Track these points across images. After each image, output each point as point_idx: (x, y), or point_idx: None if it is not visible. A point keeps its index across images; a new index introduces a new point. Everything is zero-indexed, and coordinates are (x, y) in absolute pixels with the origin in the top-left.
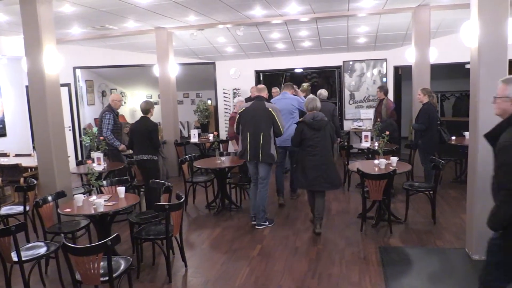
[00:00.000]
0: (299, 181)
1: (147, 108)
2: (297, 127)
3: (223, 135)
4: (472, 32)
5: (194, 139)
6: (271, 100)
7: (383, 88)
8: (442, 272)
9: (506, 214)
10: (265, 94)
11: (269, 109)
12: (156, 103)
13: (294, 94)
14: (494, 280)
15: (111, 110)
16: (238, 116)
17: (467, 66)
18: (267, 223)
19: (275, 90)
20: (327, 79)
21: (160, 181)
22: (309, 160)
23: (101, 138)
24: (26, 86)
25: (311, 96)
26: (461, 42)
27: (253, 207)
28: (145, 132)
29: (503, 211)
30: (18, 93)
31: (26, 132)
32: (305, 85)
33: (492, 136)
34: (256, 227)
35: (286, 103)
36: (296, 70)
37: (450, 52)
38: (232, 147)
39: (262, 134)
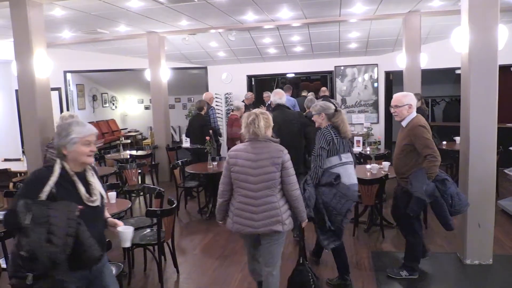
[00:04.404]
0: None
1: (201, 106)
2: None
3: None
4: (463, 38)
5: (186, 143)
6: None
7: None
8: (434, 276)
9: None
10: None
11: None
12: (147, 108)
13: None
14: None
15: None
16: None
17: (457, 71)
18: None
19: (266, 95)
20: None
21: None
22: None
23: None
24: (16, 90)
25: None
26: (451, 48)
27: None
28: (198, 126)
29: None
30: (7, 97)
31: (16, 136)
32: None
33: None
34: None
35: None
36: (288, 75)
37: (440, 58)
38: (224, 153)
39: None
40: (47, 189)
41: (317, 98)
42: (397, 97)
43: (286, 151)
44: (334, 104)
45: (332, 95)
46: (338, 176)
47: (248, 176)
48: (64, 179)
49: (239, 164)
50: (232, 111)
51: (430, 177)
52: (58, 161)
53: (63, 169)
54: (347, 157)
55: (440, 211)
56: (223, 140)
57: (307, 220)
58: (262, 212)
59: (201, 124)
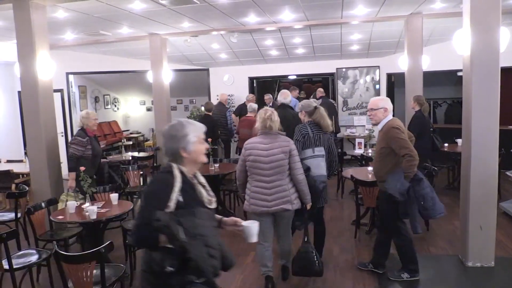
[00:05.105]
0: None
1: (209, 107)
2: None
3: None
4: (465, 40)
5: None
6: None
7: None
8: (436, 278)
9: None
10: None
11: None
12: (149, 109)
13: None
14: None
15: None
16: None
17: (459, 73)
18: None
19: (267, 97)
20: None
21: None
22: None
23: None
24: (19, 92)
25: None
26: (453, 50)
27: None
28: (209, 126)
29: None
30: (10, 98)
31: (18, 138)
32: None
33: None
34: None
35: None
36: (289, 77)
37: (442, 60)
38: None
39: None
40: (174, 196)
41: (316, 99)
42: (373, 100)
43: (292, 141)
44: (333, 103)
45: (334, 97)
46: (308, 169)
47: (261, 163)
48: (185, 184)
49: (254, 154)
50: (234, 113)
51: (408, 177)
52: (174, 165)
53: (181, 173)
54: (319, 151)
55: (410, 209)
56: (234, 141)
57: (311, 203)
58: (274, 194)
59: (211, 125)
